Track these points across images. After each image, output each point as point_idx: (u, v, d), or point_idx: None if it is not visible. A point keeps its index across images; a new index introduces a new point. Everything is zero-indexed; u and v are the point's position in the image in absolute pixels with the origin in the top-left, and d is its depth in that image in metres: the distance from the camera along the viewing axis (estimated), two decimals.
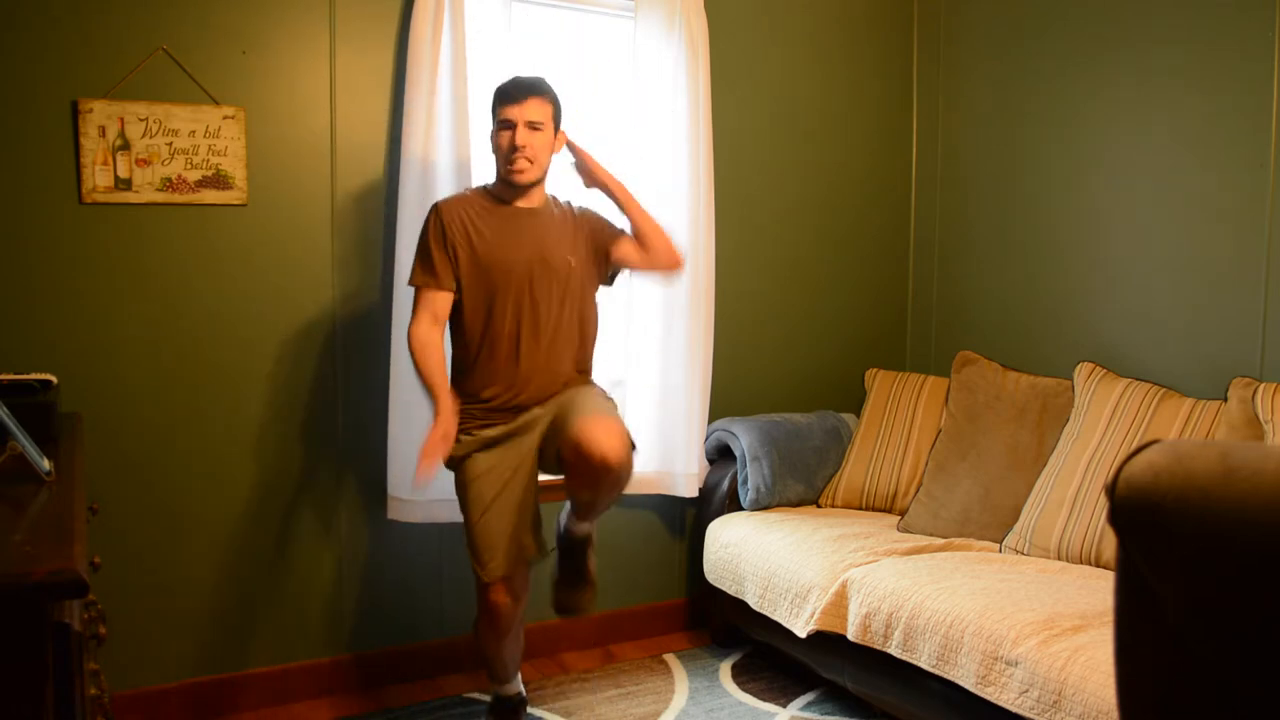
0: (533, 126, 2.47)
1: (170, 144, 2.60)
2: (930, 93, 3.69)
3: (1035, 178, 3.29)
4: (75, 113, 2.50)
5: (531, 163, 2.49)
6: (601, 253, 2.64)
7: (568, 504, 2.55)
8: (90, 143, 2.51)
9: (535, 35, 3.12)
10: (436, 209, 2.53)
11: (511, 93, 2.49)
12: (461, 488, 2.49)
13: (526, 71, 2.59)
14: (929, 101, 3.69)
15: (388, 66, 2.86)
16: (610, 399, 2.61)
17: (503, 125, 2.49)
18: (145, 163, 2.58)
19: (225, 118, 2.65)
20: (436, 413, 2.42)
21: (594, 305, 2.67)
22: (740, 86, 3.40)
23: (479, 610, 2.48)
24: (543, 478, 2.60)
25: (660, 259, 2.65)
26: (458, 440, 2.47)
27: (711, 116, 3.24)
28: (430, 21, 2.77)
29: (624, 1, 3.17)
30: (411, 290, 2.56)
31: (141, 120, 2.56)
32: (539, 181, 2.55)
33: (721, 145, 3.33)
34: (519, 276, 2.49)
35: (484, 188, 2.61)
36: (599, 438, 2.26)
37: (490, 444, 2.48)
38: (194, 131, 2.62)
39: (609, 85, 3.25)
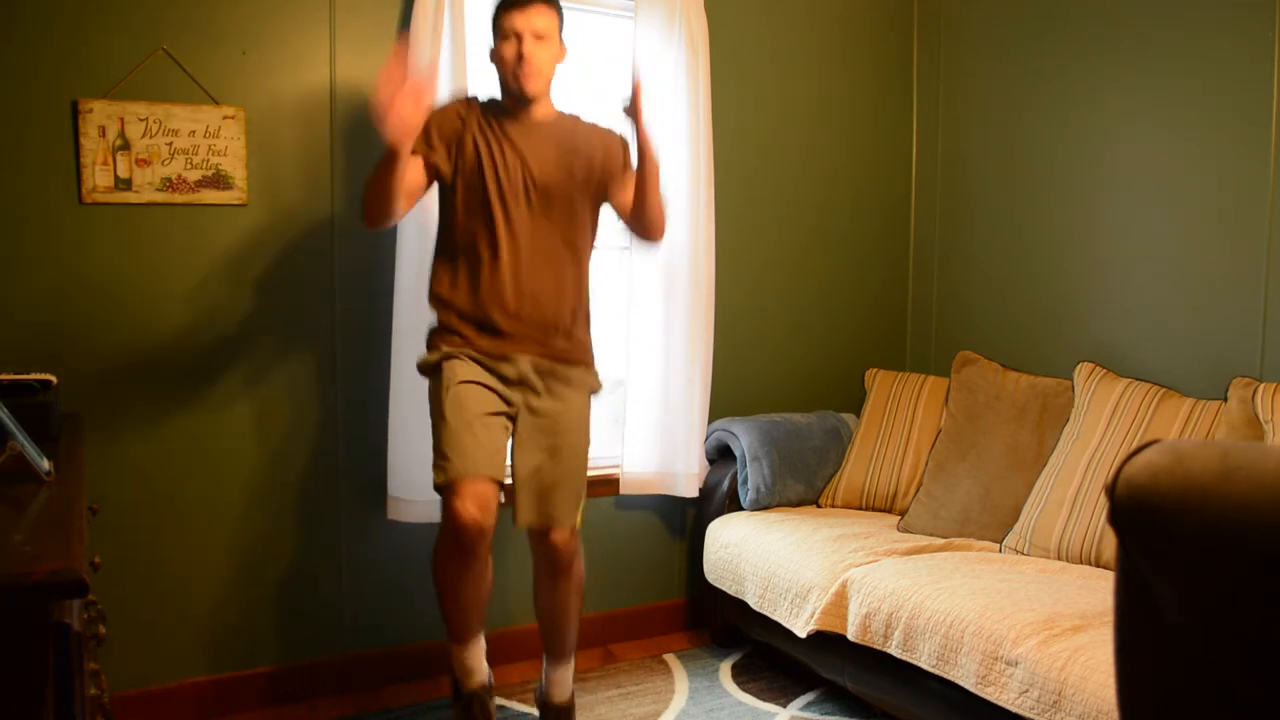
0: (538, 36, 2.38)
1: (170, 144, 2.60)
2: (930, 93, 3.69)
3: (1035, 178, 3.29)
4: (75, 113, 2.50)
5: (538, 73, 2.39)
6: (604, 183, 2.52)
7: (544, 663, 2.61)
8: (90, 143, 2.51)
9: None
10: (451, 103, 2.45)
11: (515, 1, 2.38)
12: (436, 390, 2.34)
13: None
14: (929, 101, 3.69)
15: None
16: (589, 425, 2.49)
17: (506, 35, 2.39)
18: (145, 163, 2.58)
19: (225, 118, 2.65)
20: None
21: (594, 225, 2.55)
22: (740, 86, 3.40)
23: (440, 533, 2.29)
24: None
25: (646, 225, 2.52)
26: (436, 347, 2.38)
27: (711, 116, 3.24)
28: (430, 21, 2.77)
29: (624, 1, 3.17)
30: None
31: (141, 120, 2.56)
32: (545, 94, 2.45)
33: (721, 145, 3.33)
34: (517, 189, 2.39)
35: (486, 101, 2.50)
36: (559, 556, 2.42)
37: (478, 362, 2.36)
38: (194, 131, 2.62)
39: (609, 85, 3.25)
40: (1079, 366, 2.91)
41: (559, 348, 2.45)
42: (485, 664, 2.49)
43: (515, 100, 2.44)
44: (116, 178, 2.55)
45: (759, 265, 3.50)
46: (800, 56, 3.51)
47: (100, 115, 2.52)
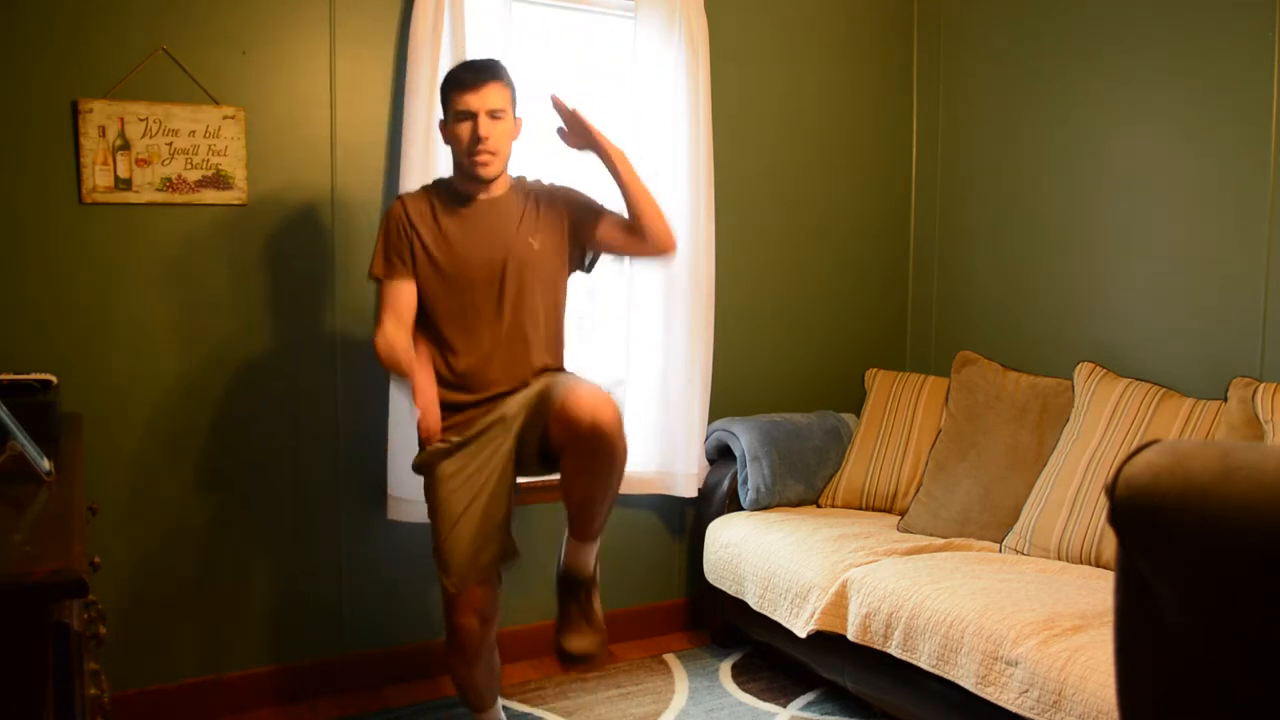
0: (493, 115, 2.32)
1: (170, 144, 2.60)
2: (930, 93, 3.69)
3: (1035, 178, 3.29)
4: (75, 113, 2.50)
5: (495, 155, 2.35)
6: (577, 234, 2.48)
7: (565, 536, 2.36)
8: (90, 143, 2.51)
9: (535, 35, 3.12)
10: (399, 201, 2.42)
11: (468, 80, 2.33)
12: (431, 495, 2.38)
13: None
14: (929, 101, 3.69)
15: (388, 66, 2.86)
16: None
17: (461, 116, 2.33)
18: (145, 163, 2.58)
19: (225, 118, 2.65)
20: (415, 389, 2.32)
21: (563, 291, 2.51)
22: (740, 86, 3.40)
23: (446, 636, 2.37)
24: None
25: (652, 241, 2.42)
26: (425, 445, 2.38)
27: (711, 117, 3.24)
28: (430, 21, 2.77)
29: (624, 1, 3.17)
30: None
31: (141, 120, 2.56)
32: (502, 173, 2.42)
33: (721, 145, 3.33)
34: (485, 273, 2.37)
35: (442, 183, 2.48)
36: (586, 403, 2.10)
37: (461, 446, 2.35)
38: (194, 131, 2.62)
39: (609, 85, 3.25)
40: (1079, 366, 2.91)
41: (536, 375, 2.45)
42: (502, 715, 2.55)
43: (472, 181, 2.40)
44: (116, 178, 2.55)
45: (759, 265, 3.50)
46: (800, 56, 3.52)
47: (100, 115, 2.52)
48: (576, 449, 2.15)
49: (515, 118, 2.42)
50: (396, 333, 2.33)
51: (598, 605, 2.38)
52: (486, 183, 2.40)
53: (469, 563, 2.30)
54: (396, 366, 2.33)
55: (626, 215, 2.44)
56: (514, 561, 2.40)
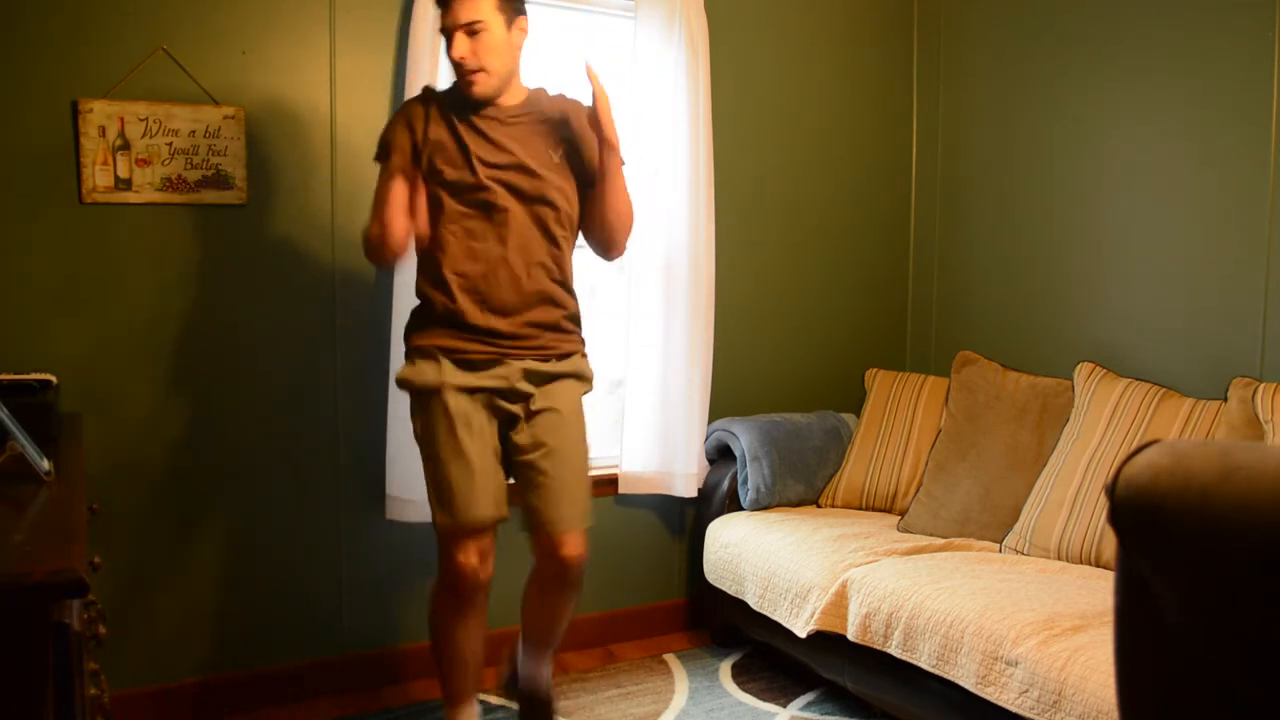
0: (470, 30, 2.17)
1: (170, 144, 2.60)
2: (930, 92, 3.69)
3: (1035, 178, 3.29)
4: (75, 113, 2.50)
5: (480, 71, 2.19)
6: (582, 156, 2.35)
7: (521, 645, 2.45)
8: (90, 143, 2.51)
9: (535, 35, 3.11)
10: (410, 100, 2.32)
11: None
12: (431, 422, 2.22)
13: None
14: (929, 101, 3.69)
15: (388, 66, 2.86)
16: (584, 419, 2.39)
17: (443, 35, 2.22)
18: (145, 163, 2.58)
19: (225, 118, 2.65)
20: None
21: (572, 214, 2.35)
22: (740, 86, 3.40)
23: (438, 581, 2.27)
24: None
25: (602, 235, 2.37)
26: (421, 365, 2.23)
27: (711, 116, 3.24)
28: (430, 21, 2.76)
29: (624, 1, 3.17)
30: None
31: (141, 120, 2.56)
32: (502, 89, 2.27)
33: (721, 145, 3.33)
34: (491, 185, 2.23)
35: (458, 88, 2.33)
36: (574, 549, 2.27)
37: (468, 389, 2.24)
38: (194, 131, 2.62)
39: (609, 85, 3.25)
40: (1079, 366, 2.91)
41: (550, 342, 2.32)
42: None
43: (472, 101, 2.27)
44: (116, 178, 2.55)
45: (759, 265, 3.50)
46: (800, 56, 3.52)
47: (100, 115, 2.52)
48: (552, 580, 2.31)
49: (512, 23, 2.25)
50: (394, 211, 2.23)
51: (555, 714, 2.55)
52: (482, 102, 2.26)
53: (474, 500, 2.19)
54: (386, 227, 2.22)
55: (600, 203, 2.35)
56: (503, 520, 2.31)
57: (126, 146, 2.56)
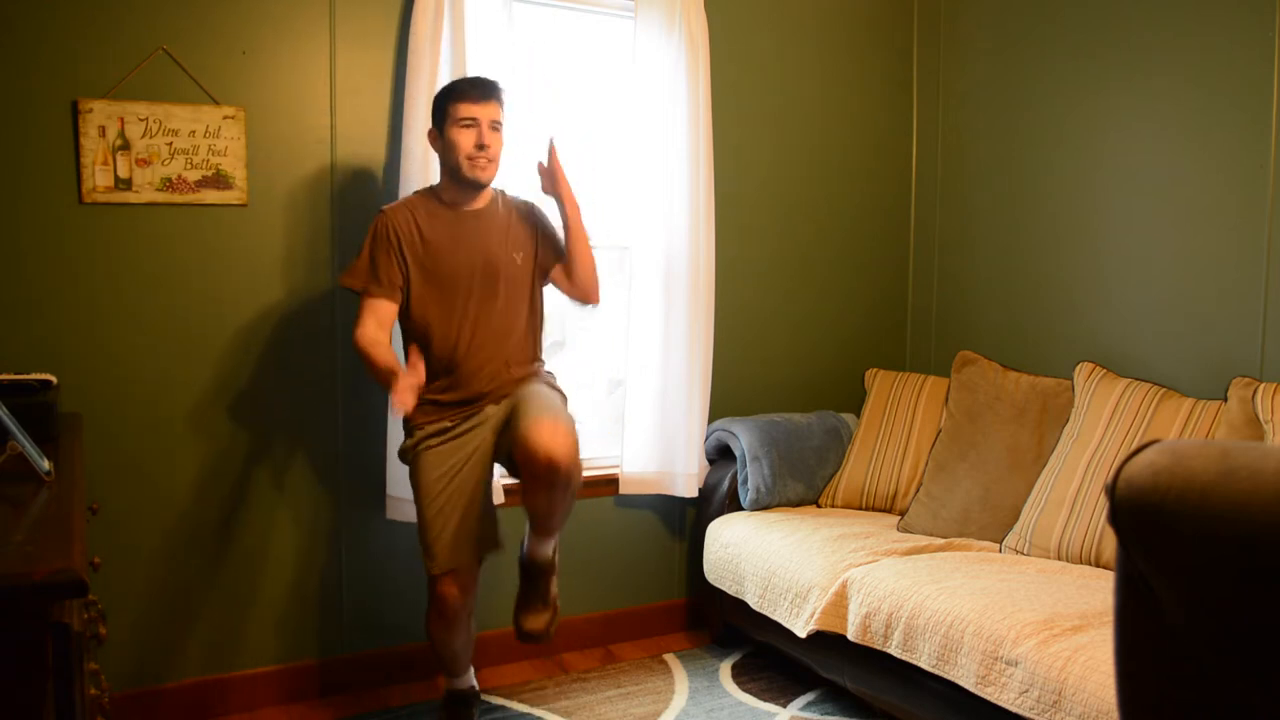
0: (494, 127, 2.48)
1: (170, 144, 2.60)
2: (930, 93, 3.69)
3: (1035, 178, 3.29)
4: (75, 113, 2.50)
5: (492, 162, 2.50)
6: (540, 262, 2.64)
7: (528, 525, 2.51)
8: (90, 143, 2.51)
9: (535, 35, 3.12)
10: (384, 215, 2.51)
11: (474, 92, 2.47)
12: (415, 479, 2.51)
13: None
14: (929, 101, 3.69)
15: (388, 66, 2.86)
16: (559, 391, 2.62)
17: (465, 123, 2.46)
18: (145, 163, 2.58)
19: (225, 118, 2.65)
20: (397, 376, 2.37)
21: (540, 298, 2.67)
22: (740, 86, 3.40)
23: (429, 602, 2.51)
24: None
25: (582, 291, 2.66)
26: (410, 434, 2.51)
27: (711, 116, 3.24)
28: (430, 21, 2.77)
29: (624, 1, 3.17)
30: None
31: (141, 120, 2.56)
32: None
33: (721, 145, 3.33)
34: (467, 280, 2.50)
35: (429, 190, 2.59)
36: (544, 438, 2.27)
37: (443, 434, 2.49)
38: (194, 131, 2.62)
39: (609, 85, 3.26)
40: (1079, 366, 2.91)
41: (518, 381, 2.59)
42: (475, 683, 2.73)
43: (466, 186, 2.52)
44: (116, 178, 2.55)
45: (759, 265, 3.50)
46: (800, 56, 3.52)
47: (100, 115, 2.52)
48: (533, 477, 2.33)
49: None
50: (378, 333, 2.48)
51: (554, 588, 2.59)
52: (482, 189, 2.54)
53: (451, 550, 2.46)
54: (374, 356, 2.43)
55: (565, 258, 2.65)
56: (495, 551, 2.56)
57: (126, 146, 2.56)
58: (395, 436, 2.82)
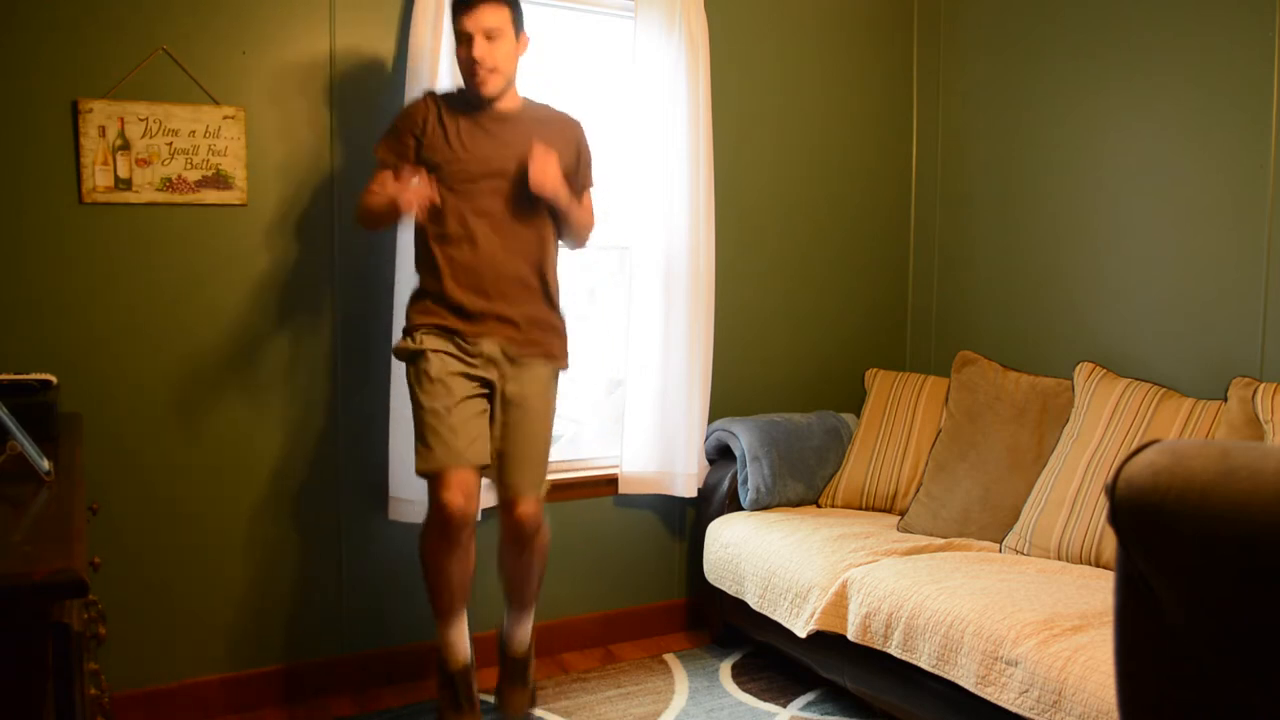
0: (490, 35, 2.43)
1: (170, 144, 2.60)
2: (930, 93, 3.69)
3: (1035, 178, 3.29)
4: (75, 113, 2.50)
5: (493, 72, 2.45)
6: (566, 169, 2.56)
7: (505, 606, 2.67)
8: (90, 143, 2.51)
9: (535, 35, 3.11)
10: (418, 101, 2.55)
11: (461, 4, 2.45)
12: (415, 377, 2.44)
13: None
14: (929, 101, 3.69)
15: (388, 66, 2.86)
16: (554, 401, 2.60)
17: (460, 39, 2.45)
18: (145, 163, 2.58)
19: (225, 118, 2.65)
20: (389, 188, 2.42)
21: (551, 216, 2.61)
22: (740, 86, 3.40)
23: (426, 518, 2.44)
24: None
25: (573, 242, 2.69)
26: (413, 337, 2.47)
27: (711, 116, 3.24)
28: (430, 21, 2.77)
29: (624, 1, 3.17)
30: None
31: (141, 120, 2.56)
32: (506, 90, 2.53)
33: (721, 145, 3.33)
34: (491, 178, 2.48)
35: (460, 90, 2.58)
36: (529, 525, 2.49)
37: (450, 343, 2.46)
38: (194, 131, 2.62)
39: (609, 85, 3.25)
40: (1079, 366, 2.91)
41: (530, 336, 2.53)
42: (468, 644, 2.58)
43: (477, 99, 2.51)
44: (116, 178, 2.55)
45: (759, 265, 3.50)
46: (800, 56, 3.51)
47: (100, 115, 2.52)
48: (512, 545, 2.54)
49: (519, 36, 2.52)
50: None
51: (532, 672, 2.74)
52: (489, 101, 2.50)
53: (453, 448, 2.37)
54: (361, 205, 2.48)
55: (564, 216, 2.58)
56: (488, 466, 2.49)
57: (126, 146, 2.56)
58: (396, 436, 2.82)
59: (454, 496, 2.35)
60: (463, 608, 2.55)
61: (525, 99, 2.61)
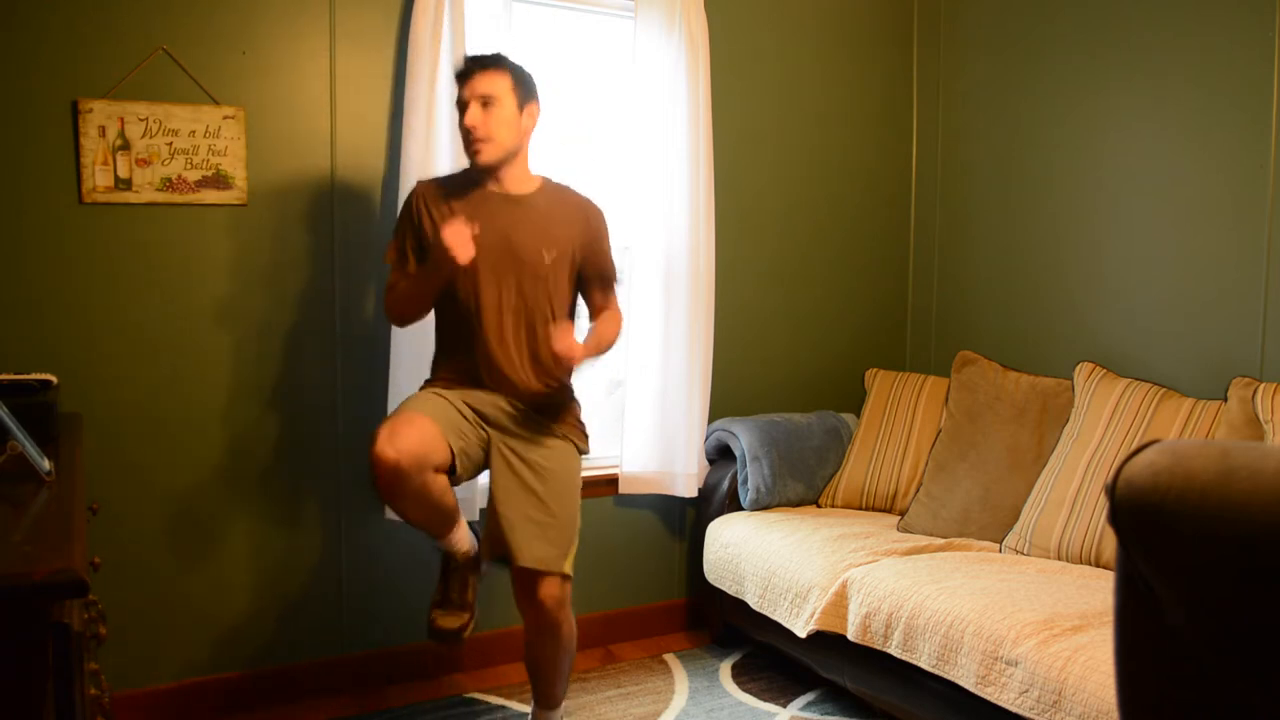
0: (485, 102, 2.34)
1: (170, 144, 2.60)
2: (930, 93, 3.69)
3: (1035, 178, 3.29)
4: (75, 113, 2.50)
5: (486, 141, 2.35)
6: (587, 268, 2.51)
7: (533, 700, 2.56)
8: (90, 143, 2.51)
9: (535, 35, 3.12)
10: (415, 190, 2.47)
11: (461, 70, 2.41)
12: (413, 398, 2.39)
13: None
14: (929, 101, 3.69)
15: (388, 66, 2.86)
16: (577, 471, 2.47)
17: (457, 106, 2.41)
18: (145, 163, 2.58)
19: (225, 118, 2.65)
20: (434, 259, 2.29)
21: (572, 306, 2.54)
22: (740, 86, 3.40)
23: (375, 485, 2.25)
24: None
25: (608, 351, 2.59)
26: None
27: (711, 116, 3.24)
28: (430, 21, 2.77)
29: (624, 1, 3.17)
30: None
31: (141, 120, 2.56)
32: (506, 160, 2.41)
33: (721, 145, 3.33)
34: (487, 268, 2.36)
35: (467, 171, 2.51)
36: (549, 606, 2.35)
37: (460, 402, 2.38)
38: (194, 131, 2.62)
39: (609, 85, 3.26)
40: (1079, 366, 2.91)
41: (537, 417, 2.45)
42: (467, 538, 2.46)
43: (478, 170, 2.43)
44: (116, 178, 2.55)
45: (759, 265, 3.50)
46: (800, 56, 3.52)
47: (100, 115, 2.52)
48: (533, 633, 2.43)
49: (524, 106, 2.40)
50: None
51: None
52: (485, 170, 2.42)
53: (413, 445, 2.17)
54: (413, 286, 2.37)
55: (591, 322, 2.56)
56: (457, 479, 2.36)
57: (126, 146, 2.56)
58: None
59: (385, 449, 2.13)
60: (454, 523, 2.39)
61: (545, 180, 2.49)
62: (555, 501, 2.38)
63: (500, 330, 2.41)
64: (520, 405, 2.43)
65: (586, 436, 2.57)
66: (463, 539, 2.44)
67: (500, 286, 2.40)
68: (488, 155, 2.38)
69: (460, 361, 2.44)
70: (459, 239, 2.22)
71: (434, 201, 2.43)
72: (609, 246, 2.56)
